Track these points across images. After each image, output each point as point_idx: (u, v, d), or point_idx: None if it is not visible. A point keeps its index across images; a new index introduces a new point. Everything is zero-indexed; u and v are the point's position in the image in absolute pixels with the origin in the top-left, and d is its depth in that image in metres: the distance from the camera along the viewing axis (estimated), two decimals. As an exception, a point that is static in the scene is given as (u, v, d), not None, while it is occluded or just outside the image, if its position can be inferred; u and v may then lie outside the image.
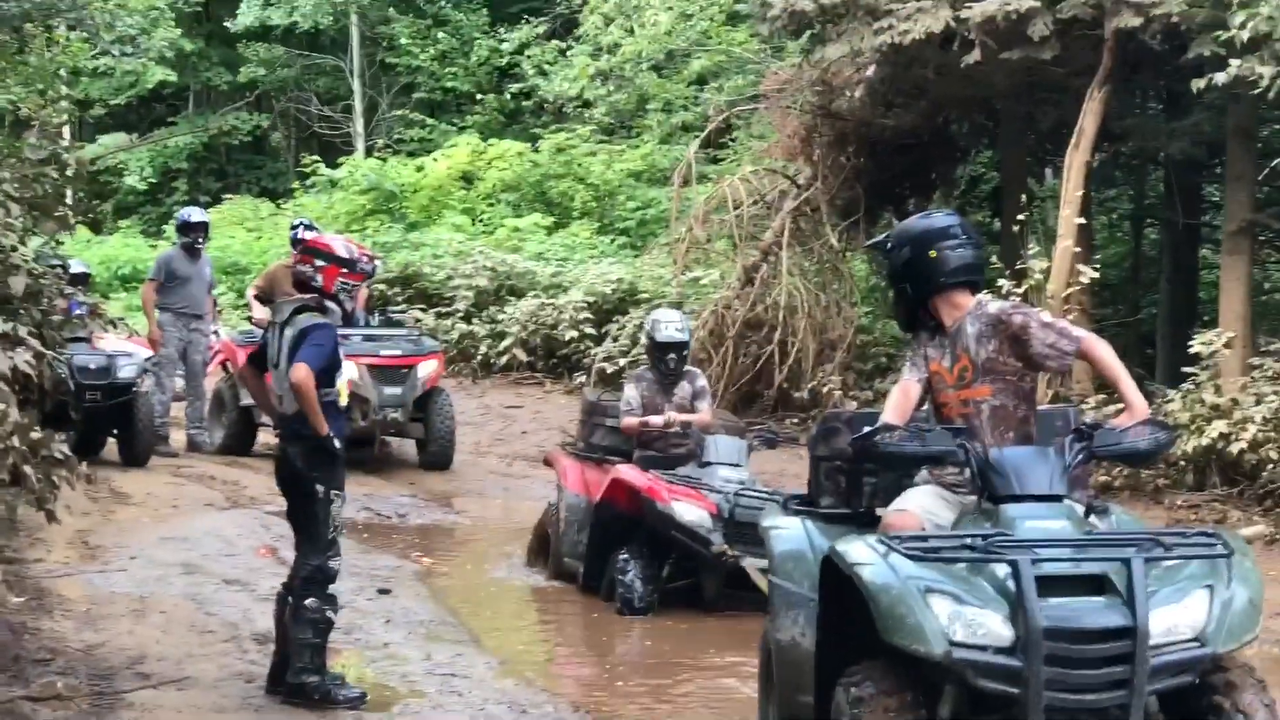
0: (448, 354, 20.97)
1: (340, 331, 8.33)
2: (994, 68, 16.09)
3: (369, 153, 34.46)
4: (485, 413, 20.21)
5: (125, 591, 10.25)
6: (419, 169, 30.29)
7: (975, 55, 15.65)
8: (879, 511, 6.35)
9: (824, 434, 6.81)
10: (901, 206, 20.05)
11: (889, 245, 6.41)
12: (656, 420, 11.46)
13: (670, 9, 28.64)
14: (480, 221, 28.44)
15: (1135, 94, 19.19)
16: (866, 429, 5.98)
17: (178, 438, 16.32)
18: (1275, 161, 15.81)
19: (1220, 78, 13.65)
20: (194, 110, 38.53)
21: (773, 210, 20.23)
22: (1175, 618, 5.28)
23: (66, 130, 30.77)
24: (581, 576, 11.49)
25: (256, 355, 8.42)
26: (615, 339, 21.10)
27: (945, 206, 19.93)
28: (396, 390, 15.76)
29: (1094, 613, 5.25)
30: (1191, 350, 14.91)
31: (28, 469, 7.61)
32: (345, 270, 8.19)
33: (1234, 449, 13.64)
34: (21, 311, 8.46)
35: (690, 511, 10.67)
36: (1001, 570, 5.32)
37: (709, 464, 11.18)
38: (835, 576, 5.70)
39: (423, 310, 22.55)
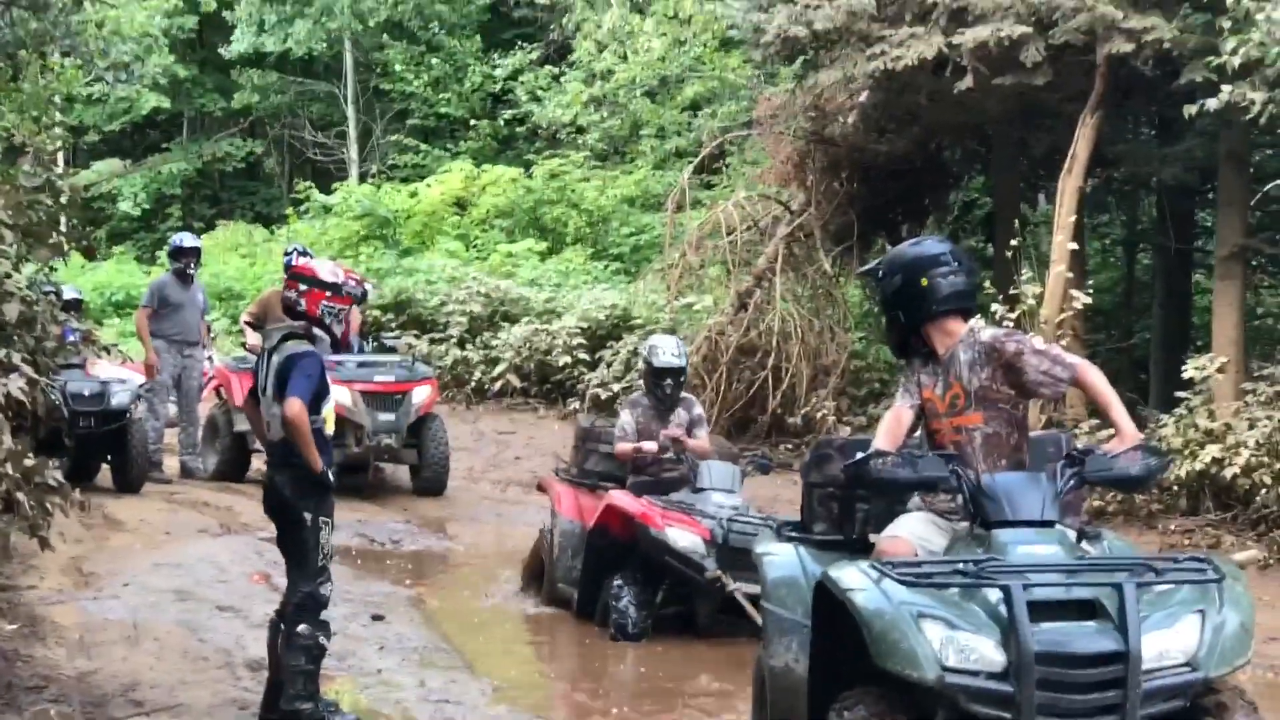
0: (441, 380, 20.99)
1: (334, 358, 8.33)
2: (986, 93, 16.12)
3: (363, 179, 34.49)
4: (479, 438, 20.21)
5: (118, 618, 10.23)
6: (413, 195, 30.31)
7: (968, 81, 15.69)
8: (872, 538, 6.36)
9: (817, 461, 6.82)
10: (895, 232, 20.06)
11: (880, 273, 6.42)
12: (650, 446, 11.47)
13: (663, 35, 28.74)
14: (474, 247, 28.44)
15: (1127, 119, 19.23)
16: (859, 455, 5.99)
17: (171, 464, 16.32)
18: (1267, 186, 15.85)
19: (1212, 103, 13.68)
20: (188, 136, 38.61)
21: (766, 236, 20.24)
22: (1167, 642, 5.29)
23: (60, 157, 30.84)
24: (575, 602, 11.47)
25: (256, 388, 8.42)
26: (609, 365, 21.10)
27: (938, 232, 19.99)
28: (390, 416, 15.78)
29: (1086, 637, 5.27)
30: (1184, 375, 14.92)
31: (21, 496, 7.61)
32: (329, 294, 8.17)
33: (1227, 474, 13.64)
34: (15, 338, 8.45)
35: (684, 537, 10.66)
36: (994, 595, 5.33)
37: (703, 490, 11.17)
38: (828, 603, 5.71)
39: (416, 336, 22.54)
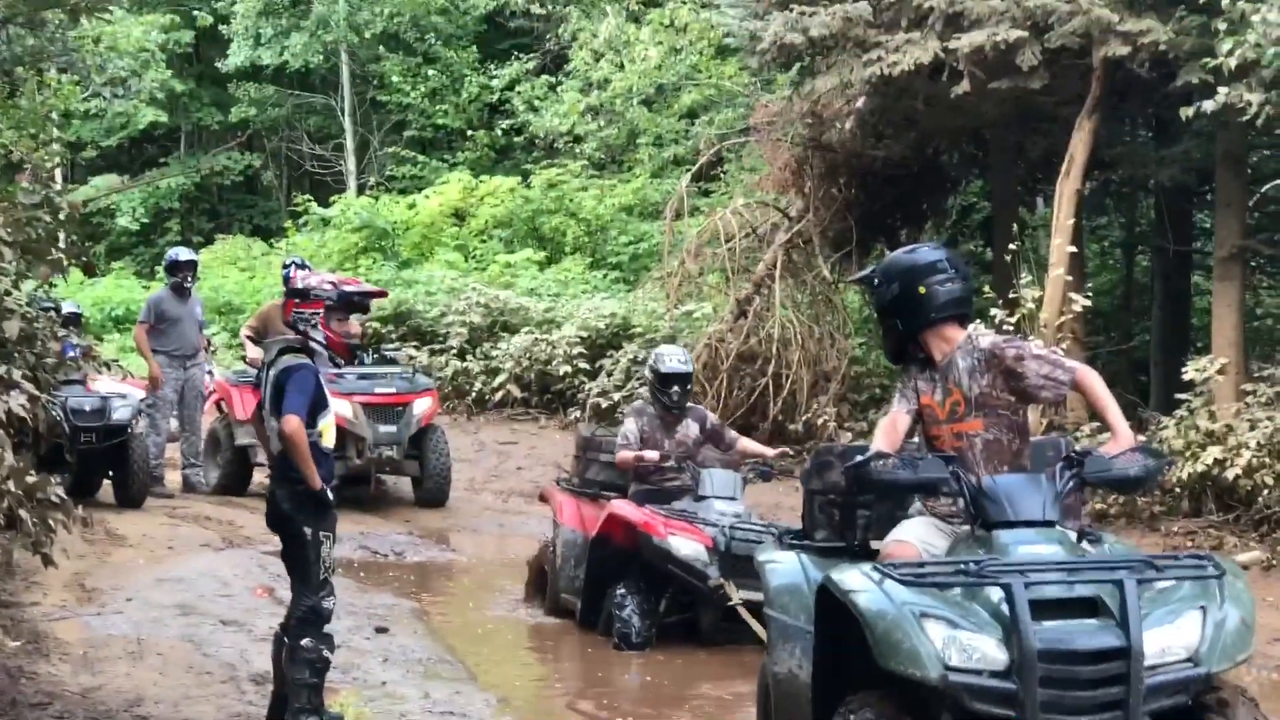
0: (442, 391, 20.98)
1: (335, 370, 8.34)
2: (983, 98, 16.12)
3: (361, 191, 34.51)
4: (480, 449, 20.21)
5: (122, 634, 10.24)
6: (411, 206, 30.32)
7: (964, 86, 15.68)
8: (874, 544, 6.37)
9: (817, 468, 6.83)
10: (893, 237, 20.07)
11: (875, 281, 6.40)
12: (651, 454, 11.45)
13: (660, 44, 28.75)
14: (473, 258, 28.45)
15: (1124, 122, 19.21)
16: (859, 458, 6.00)
17: (173, 478, 16.32)
18: (1265, 187, 15.84)
19: (1209, 105, 13.68)
20: (185, 151, 38.63)
21: (765, 243, 20.24)
22: (1169, 638, 5.31)
23: (58, 173, 30.85)
24: (579, 612, 11.48)
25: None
26: (609, 374, 21.10)
27: (937, 237, 19.99)
28: (391, 428, 15.80)
29: (1088, 634, 5.28)
30: (1185, 377, 14.91)
31: (23, 513, 7.61)
32: (298, 300, 8.22)
33: (1229, 475, 13.63)
34: (16, 355, 8.46)
35: (686, 545, 10.67)
36: (995, 594, 5.34)
37: (704, 498, 11.16)
38: (831, 609, 5.71)
39: (416, 347, 22.56)
